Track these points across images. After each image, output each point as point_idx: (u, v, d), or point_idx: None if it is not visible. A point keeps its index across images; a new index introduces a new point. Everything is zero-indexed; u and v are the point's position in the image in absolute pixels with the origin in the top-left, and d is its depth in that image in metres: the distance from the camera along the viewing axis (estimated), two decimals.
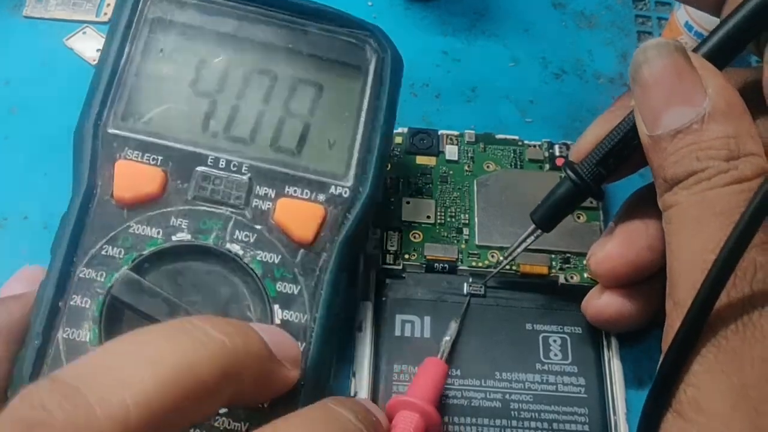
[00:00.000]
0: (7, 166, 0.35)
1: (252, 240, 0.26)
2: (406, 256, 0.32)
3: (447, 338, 0.30)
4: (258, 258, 0.26)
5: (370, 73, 0.30)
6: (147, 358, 0.19)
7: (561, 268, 0.32)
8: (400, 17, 0.42)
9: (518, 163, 0.35)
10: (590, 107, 0.40)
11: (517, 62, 0.41)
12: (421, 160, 0.35)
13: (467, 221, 0.33)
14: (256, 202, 0.27)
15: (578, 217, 0.34)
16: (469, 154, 0.35)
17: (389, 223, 0.33)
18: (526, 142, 0.36)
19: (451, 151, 0.35)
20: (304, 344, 0.26)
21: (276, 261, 0.26)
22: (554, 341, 0.31)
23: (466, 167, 0.35)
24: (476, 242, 0.33)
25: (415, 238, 0.33)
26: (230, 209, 0.27)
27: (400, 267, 0.32)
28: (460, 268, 0.32)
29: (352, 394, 0.30)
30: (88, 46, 0.39)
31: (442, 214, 0.33)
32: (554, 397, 0.30)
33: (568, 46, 0.42)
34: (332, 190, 0.28)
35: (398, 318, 0.31)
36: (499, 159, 0.35)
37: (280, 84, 0.29)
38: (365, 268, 0.32)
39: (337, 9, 0.30)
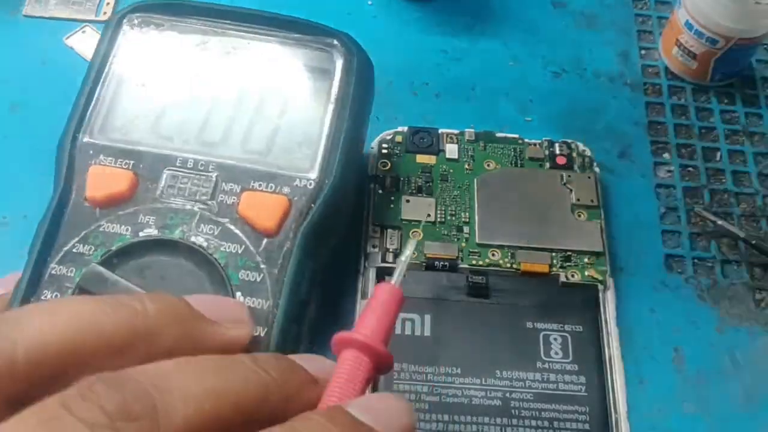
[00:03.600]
0: (7, 166, 0.35)
1: (216, 232, 0.27)
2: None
3: (402, 259, 0.25)
4: (222, 249, 0.27)
5: (336, 76, 0.31)
6: (47, 309, 0.19)
7: (562, 267, 0.32)
8: (400, 16, 0.42)
9: (519, 161, 0.35)
10: (590, 106, 0.40)
11: (517, 61, 0.41)
12: (421, 158, 0.35)
13: (467, 219, 0.33)
14: (221, 197, 0.28)
15: (579, 216, 0.34)
16: (470, 153, 0.35)
17: (389, 222, 0.33)
18: (526, 140, 0.36)
19: (451, 150, 0.35)
20: (266, 329, 0.26)
21: (239, 251, 0.27)
22: (555, 339, 0.31)
23: (466, 166, 0.35)
24: (477, 240, 0.33)
25: (414, 236, 0.32)
26: (196, 205, 0.28)
27: None
28: (461, 266, 0.32)
29: None
30: (88, 45, 0.39)
31: (443, 212, 0.33)
32: (555, 395, 0.30)
33: (567, 45, 0.42)
34: (297, 182, 0.28)
35: (399, 315, 0.31)
36: (499, 157, 0.35)
37: (250, 91, 0.30)
38: (365, 266, 0.32)
39: (306, 19, 0.32)
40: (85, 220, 0.27)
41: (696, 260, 0.35)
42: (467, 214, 0.33)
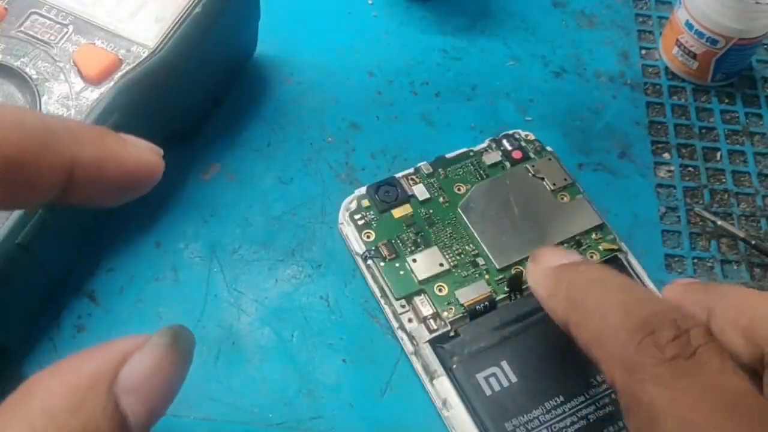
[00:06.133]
0: None
1: (49, 70, 0.31)
2: (445, 314, 0.30)
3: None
4: (47, 84, 0.31)
5: None
6: None
7: (580, 253, 0.32)
8: (401, 16, 0.42)
9: (483, 172, 0.34)
10: (590, 106, 0.40)
11: (518, 61, 0.41)
12: (397, 213, 0.33)
13: (476, 251, 0.32)
14: (66, 44, 0.32)
15: (562, 198, 0.33)
16: (436, 186, 0.34)
17: (410, 291, 0.31)
18: (474, 149, 0.35)
19: (420, 191, 0.33)
20: None
21: (61, 89, 0.31)
22: None
23: (441, 200, 0.33)
24: (496, 266, 0.32)
25: (441, 291, 0.31)
26: (44, 45, 0.32)
27: (448, 327, 0.30)
28: (498, 298, 0.31)
29: None
30: None
31: (450, 255, 0.32)
32: None
33: (568, 44, 0.42)
34: (134, 48, 0.32)
35: (479, 377, 0.29)
36: (464, 177, 0.34)
37: None
38: (416, 344, 0.30)
39: None
40: None
41: (696, 260, 0.35)
42: (472, 245, 0.32)
